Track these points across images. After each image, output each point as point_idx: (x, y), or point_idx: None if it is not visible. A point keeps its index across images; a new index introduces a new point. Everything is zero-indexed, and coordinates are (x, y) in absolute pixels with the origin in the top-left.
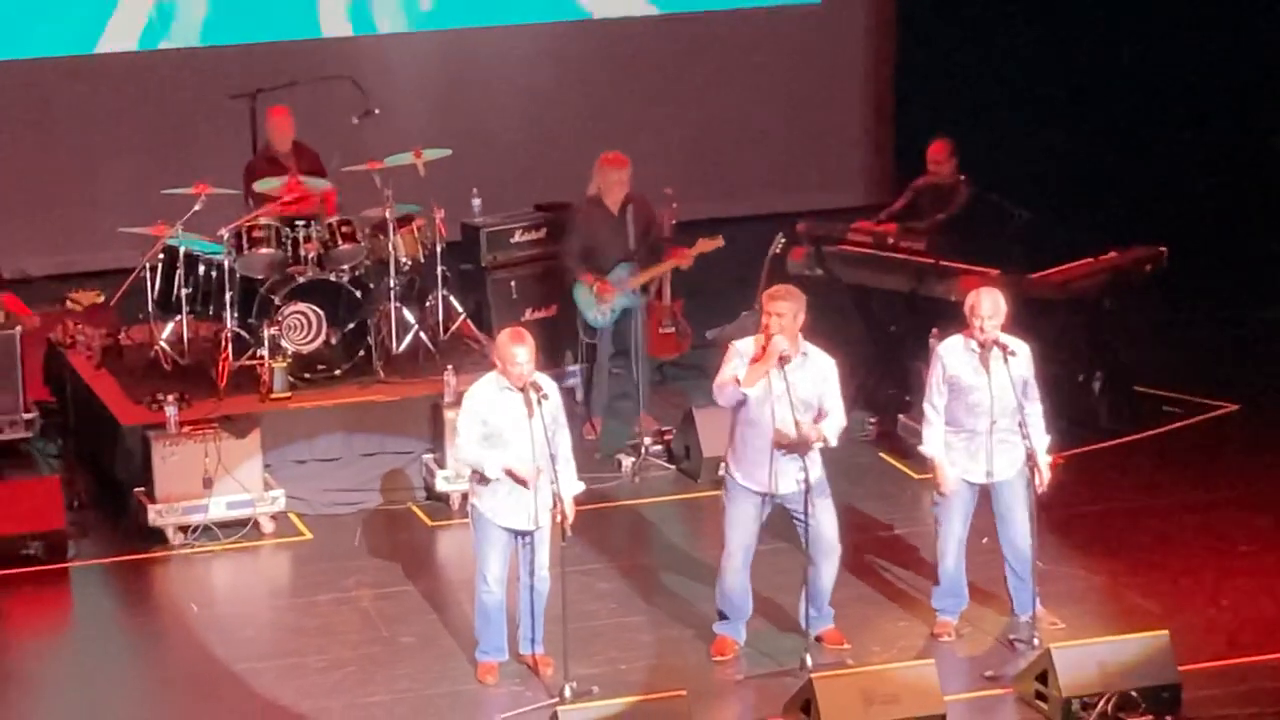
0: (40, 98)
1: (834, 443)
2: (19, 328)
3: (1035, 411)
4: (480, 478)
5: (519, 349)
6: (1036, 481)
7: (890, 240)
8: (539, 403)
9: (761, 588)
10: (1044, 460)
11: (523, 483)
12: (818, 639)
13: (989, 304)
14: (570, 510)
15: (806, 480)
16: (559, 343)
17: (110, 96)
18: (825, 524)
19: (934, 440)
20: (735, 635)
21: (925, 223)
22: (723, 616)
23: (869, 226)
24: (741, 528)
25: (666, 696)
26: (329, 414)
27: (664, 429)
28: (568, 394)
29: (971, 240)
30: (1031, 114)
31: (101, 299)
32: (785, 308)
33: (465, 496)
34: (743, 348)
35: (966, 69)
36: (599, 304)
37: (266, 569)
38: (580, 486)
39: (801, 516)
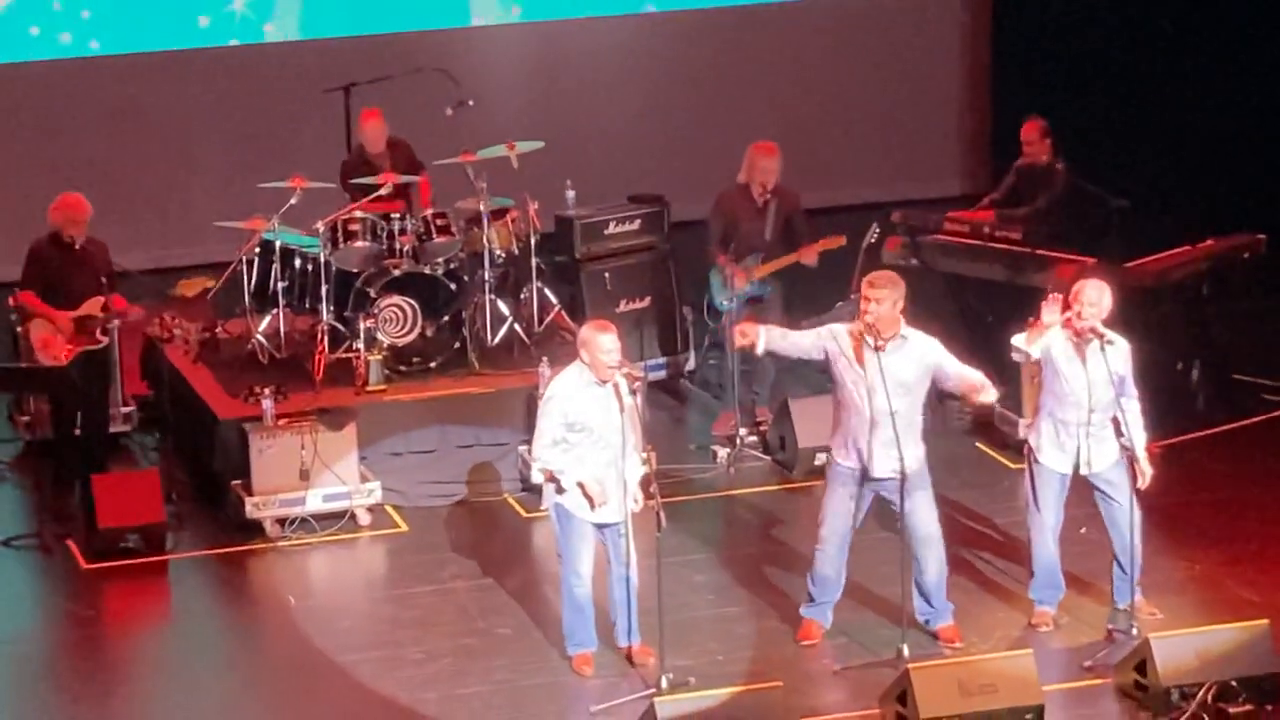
0: (135, 93)
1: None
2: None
3: (1133, 409)
4: (551, 476)
5: (607, 337)
6: (1138, 479)
7: (986, 229)
8: (632, 393)
9: (864, 578)
10: (1143, 457)
11: (591, 501)
12: (934, 635)
13: (1094, 292)
14: (640, 494)
15: (903, 470)
16: (653, 334)
17: (205, 91)
18: (924, 516)
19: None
20: (821, 619)
21: (1022, 210)
22: (811, 599)
23: (967, 215)
24: (837, 510)
25: (763, 687)
26: (424, 406)
27: (760, 420)
28: (671, 384)
29: (1068, 229)
30: (1130, 101)
31: (212, 282)
32: (884, 294)
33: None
34: (834, 329)
35: (1063, 57)
36: (728, 288)
37: (363, 561)
38: (642, 470)
39: (898, 505)
